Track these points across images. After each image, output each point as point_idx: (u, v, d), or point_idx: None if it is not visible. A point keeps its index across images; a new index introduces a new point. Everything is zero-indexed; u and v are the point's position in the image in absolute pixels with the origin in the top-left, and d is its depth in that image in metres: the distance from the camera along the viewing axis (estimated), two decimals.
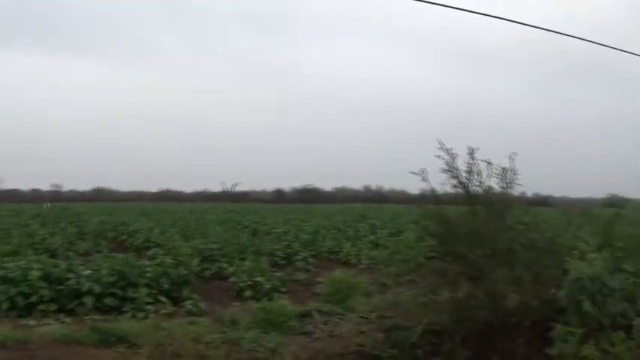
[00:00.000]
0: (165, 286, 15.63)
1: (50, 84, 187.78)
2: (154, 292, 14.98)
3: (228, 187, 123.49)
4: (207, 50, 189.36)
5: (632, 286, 9.44)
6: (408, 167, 10.26)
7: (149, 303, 14.23)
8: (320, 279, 17.63)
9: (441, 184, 10.47)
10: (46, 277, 14.55)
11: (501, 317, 9.71)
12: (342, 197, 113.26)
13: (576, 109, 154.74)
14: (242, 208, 65.24)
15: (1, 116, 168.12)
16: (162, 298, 14.79)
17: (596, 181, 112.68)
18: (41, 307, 13.67)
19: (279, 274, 19.14)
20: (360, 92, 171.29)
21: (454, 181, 10.33)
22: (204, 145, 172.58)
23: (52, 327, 11.80)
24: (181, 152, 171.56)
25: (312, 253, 25.28)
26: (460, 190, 10.38)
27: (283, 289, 17.56)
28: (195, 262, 19.03)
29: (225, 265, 20.48)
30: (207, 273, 19.83)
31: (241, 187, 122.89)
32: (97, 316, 12.98)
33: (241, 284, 17.32)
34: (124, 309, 13.92)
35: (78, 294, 14.25)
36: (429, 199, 10.66)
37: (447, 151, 10.25)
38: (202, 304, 14.67)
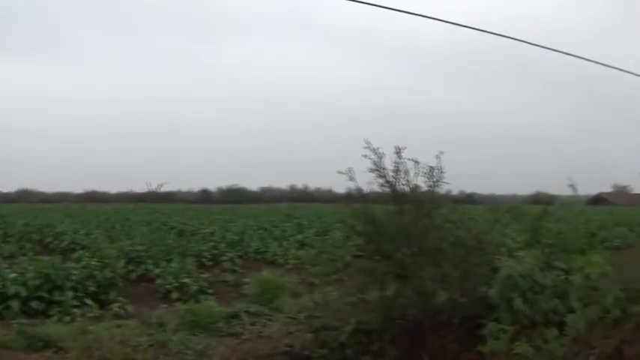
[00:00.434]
0: (92, 288, 15.37)
1: None
2: (80, 295, 14.67)
3: (154, 187, 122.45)
4: (134, 49, 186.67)
5: (563, 282, 9.57)
6: (334, 166, 10.27)
7: (76, 306, 13.93)
8: (247, 280, 17.50)
9: (369, 183, 10.51)
10: None
11: (430, 315, 9.78)
12: (269, 197, 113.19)
13: (502, 108, 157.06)
14: (168, 209, 64.68)
15: None
16: (89, 301, 14.47)
17: (522, 179, 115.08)
18: None
19: (205, 275, 18.89)
20: (287, 92, 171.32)
21: (381, 180, 10.36)
22: (129, 145, 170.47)
23: None
24: (106, 153, 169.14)
25: (239, 253, 25.10)
26: (387, 189, 10.41)
27: (210, 291, 17.37)
28: (122, 264, 18.69)
29: (151, 266, 20.16)
30: (134, 275, 19.50)
31: (167, 188, 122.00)
32: (23, 320, 12.78)
33: (168, 286, 17.15)
34: (51, 312, 13.59)
35: (4, 298, 13.92)
36: (356, 198, 10.67)
37: (374, 151, 10.28)
38: (129, 307, 14.42)
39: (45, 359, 9.96)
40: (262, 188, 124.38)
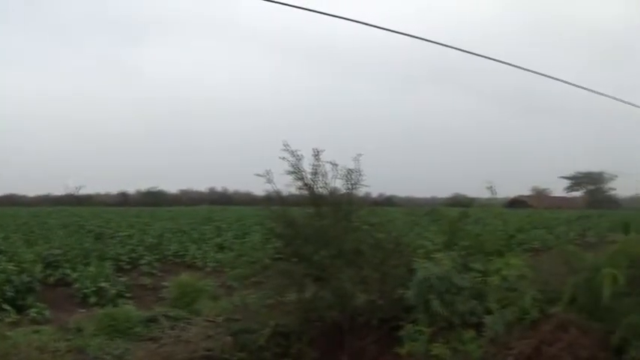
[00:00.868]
0: (9, 293, 15.07)
1: None
2: None
3: (72, 190, 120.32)
4: (64, 49, 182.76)
5: (480, 284, 9.71)
6: (253, 169, 10.35)
7: None
8: (166, 283, 17.40)
9: (287, 185, 10.55)
10: None
11: (349, 317, 9.86)
12: (188, 199, 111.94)
13: (423, 112, 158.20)
14: (86, 212, 63.51)
15: None
16: (6, 307, 14.20)
17: (442, 182, 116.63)
18: None
19: (124, 279, 18.83)
20: (208, 93, 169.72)
21: (299, 183, 10.41)
22: (47, 148, 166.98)
23: None
24: (25, 155, 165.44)
25: (157, 257, 24.85)
26: (305, 192, 10.46)
27: (129, 294, 17.29)
28: (39, 268, 18.40)
29: (69, 270, 19.76)
30: (52, 279, 19.09)
31: (85, 191, 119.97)
32: None
33: (86, 290, 16.96)
34: None
35: None
36: (275, 200, 10.72)
37: (292, 153, 10.30)
38: (47, 312, 14.21)
39: None
40: (181, 191, 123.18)
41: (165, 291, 16.36)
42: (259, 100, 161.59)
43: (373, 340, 9.72)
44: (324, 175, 10.40)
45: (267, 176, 10.42)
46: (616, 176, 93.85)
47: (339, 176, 10.46)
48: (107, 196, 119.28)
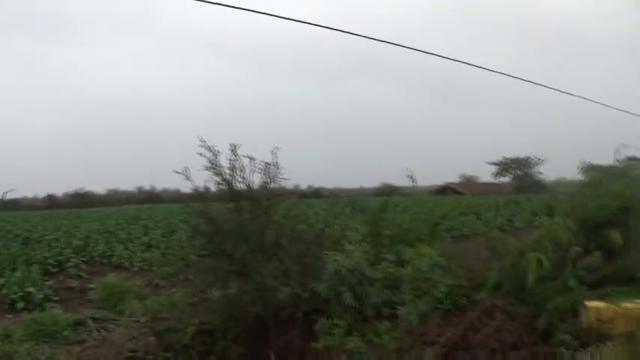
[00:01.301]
0: None
1: None
2: None
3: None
4: None
5: (394, 275, 9.73)
6: (179, 166, 10.28)
7: None
8: (92, 285, 17.11)
9: (208, 181, 10.52)
10: None
11: (273, 311, 9.88)
12: (116, 200, 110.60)
13: (350, 104, 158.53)
14: (13, 217, 62.64)
15: None
16: None
17: (370, 172, 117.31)
18: None
19: (51, 282, 18.61)
20: (133, 92, 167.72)
21: (217, 178, 10.40)
22: None
23: None
24: None
25: (84, 258, 24.66)
26: (224, 187, 10.46)
27: (56, 298, 17.13)
28: None
29: None
30: None
31: (13, 195, 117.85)
32: None
33: (13, 296, 16.77)
34: None
35: None
36: (197, 197, 10.67)
37: (209, 149, 10.29)
38: None
39: None
40: (109, 191, 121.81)
41: (92, 293, 16.11)
42: (184, 97, 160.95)
43: (298, 334, 9.74)
44: (242, 169, 10.42)
45: (185, 173, 10.39)
46: (543, 160, 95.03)
47: (256, 170, 10.48)
48: (35, 199, 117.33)
